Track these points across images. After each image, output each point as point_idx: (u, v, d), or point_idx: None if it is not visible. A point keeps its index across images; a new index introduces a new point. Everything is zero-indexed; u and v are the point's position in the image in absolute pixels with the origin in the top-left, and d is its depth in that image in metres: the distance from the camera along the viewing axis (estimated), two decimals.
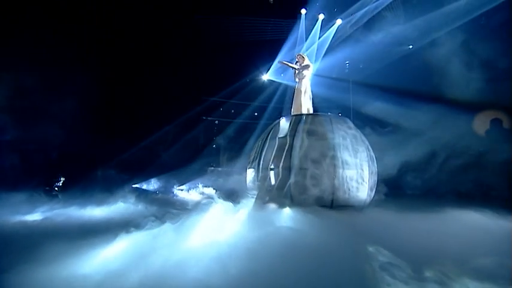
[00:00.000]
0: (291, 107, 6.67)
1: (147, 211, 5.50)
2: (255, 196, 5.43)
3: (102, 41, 10.02)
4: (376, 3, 7.81)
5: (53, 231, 4.49)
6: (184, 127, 12.36)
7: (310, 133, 5.48)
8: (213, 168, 13.64)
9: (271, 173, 5.57)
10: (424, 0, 7.99)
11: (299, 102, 6.48)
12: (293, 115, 6.15)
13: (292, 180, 5.29)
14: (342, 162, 5.28)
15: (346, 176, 5.27)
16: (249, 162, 6.38)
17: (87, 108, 9.66)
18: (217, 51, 11.96)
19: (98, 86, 9.71)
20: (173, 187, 11.33)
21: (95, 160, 10.47)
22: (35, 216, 5.61)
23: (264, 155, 5.81)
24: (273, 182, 5.54)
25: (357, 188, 5.35)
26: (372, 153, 5.78)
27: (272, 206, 4.80)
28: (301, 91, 6.52)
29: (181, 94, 12.35)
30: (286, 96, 12.60)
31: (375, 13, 8.13)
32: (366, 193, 5.46)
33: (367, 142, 5.81)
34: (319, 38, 8.32)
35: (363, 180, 5.41)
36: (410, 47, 9.29)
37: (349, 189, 5.28)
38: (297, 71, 6.65)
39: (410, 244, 3.21)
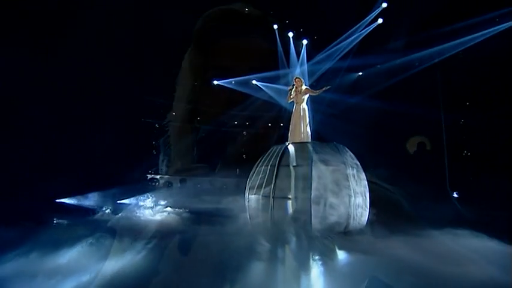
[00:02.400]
0: (288, 132, 6.71)
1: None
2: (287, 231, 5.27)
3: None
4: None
5: None
6: (120, 129, 10.71)
7: (325, 163, 5.70)
8: (151, 175, 12.36)
9: (290, 203, 5.58)
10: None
11: (298, 128, 6.58)
12: (301, 142, 6.23)
13: (312, 210, 5.43)
14: (353, 191, 5.74)
15: (356, 204, 5.76)
16: (253, 188, 6.14)
17: None
18: (167, 49, 10.81)
19: None
20: (114, 202, 9.78)
21: None
22: None
23: (278, 183, 5.74)
24: (290, 211, 5.56)
25: (362, 213, 5.92)
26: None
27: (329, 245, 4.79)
28: (300, 116, 6.63)
29: (119, 92, 10.64)
30: (234, 103, 12.45)
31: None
32: (367, 217, 6.09)
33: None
34: (297, 58, 8.58)
35: (366, 206, 6.02)
36: (360, 73, 10.53)
37: (357, 215, 5.79)
38: (294, 95, 6.71)
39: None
